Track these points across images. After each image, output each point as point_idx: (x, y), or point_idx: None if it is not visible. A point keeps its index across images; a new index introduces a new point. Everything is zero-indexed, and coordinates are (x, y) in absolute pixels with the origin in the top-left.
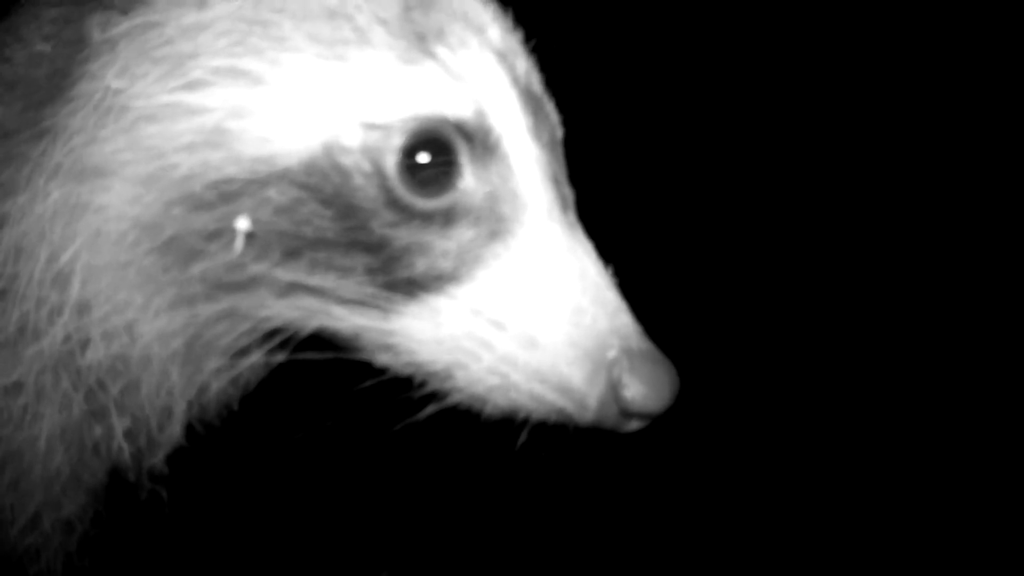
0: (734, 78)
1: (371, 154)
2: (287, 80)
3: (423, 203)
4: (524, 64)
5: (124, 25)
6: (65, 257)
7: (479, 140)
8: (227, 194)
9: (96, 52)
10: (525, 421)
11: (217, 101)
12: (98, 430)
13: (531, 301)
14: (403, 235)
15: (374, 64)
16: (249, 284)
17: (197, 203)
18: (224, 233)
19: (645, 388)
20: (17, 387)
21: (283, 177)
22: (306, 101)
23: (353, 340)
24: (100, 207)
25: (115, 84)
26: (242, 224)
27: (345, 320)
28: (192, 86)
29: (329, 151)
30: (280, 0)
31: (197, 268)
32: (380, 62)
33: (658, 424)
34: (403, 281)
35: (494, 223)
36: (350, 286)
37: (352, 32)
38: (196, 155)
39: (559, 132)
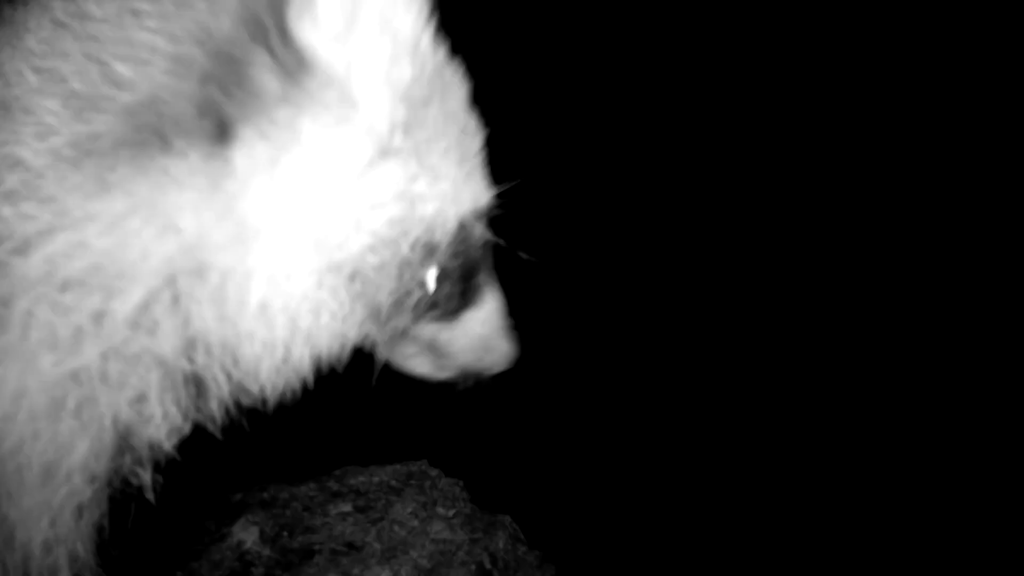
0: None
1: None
2: (446, 177)
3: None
4: None
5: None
6: (235, 280)
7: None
8: (422, 250)
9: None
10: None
11: (419, 188)
12: (131, 415)
13: (499, 321)
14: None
15: (471, 178)
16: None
17: (403, 259)
18: (417, 275)
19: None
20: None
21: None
22: (453, 193)
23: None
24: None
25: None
26: (433, 271)
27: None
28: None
29: (464, 225)
30: (438, 117)
31: (388, 298)
32: (473, 178)
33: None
34: (456, 305)
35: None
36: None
37: (460, 149)
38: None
39: None
